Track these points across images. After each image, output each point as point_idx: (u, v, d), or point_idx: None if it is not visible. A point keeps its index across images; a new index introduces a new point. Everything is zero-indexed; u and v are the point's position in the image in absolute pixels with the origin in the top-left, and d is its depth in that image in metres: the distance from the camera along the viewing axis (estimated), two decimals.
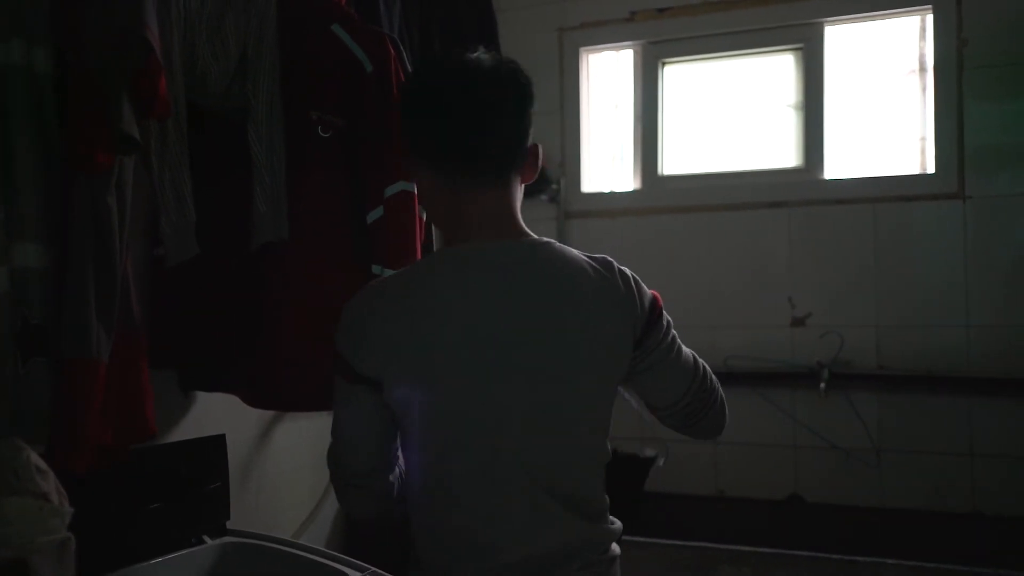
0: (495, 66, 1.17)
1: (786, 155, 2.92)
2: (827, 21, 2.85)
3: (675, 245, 2.93)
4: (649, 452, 1.70)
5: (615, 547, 1.21)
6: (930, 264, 2.66)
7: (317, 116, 1.51)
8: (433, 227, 1.73)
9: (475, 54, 1.18)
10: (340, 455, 1.23)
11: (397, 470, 1.25)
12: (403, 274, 1.22)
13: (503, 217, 1.18)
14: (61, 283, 1.12)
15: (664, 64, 3.08)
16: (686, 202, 2.97)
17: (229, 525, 1.56)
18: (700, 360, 1.29)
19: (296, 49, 1.51)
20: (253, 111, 1.45)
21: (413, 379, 1.13)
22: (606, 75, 3.22)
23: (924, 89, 2.77)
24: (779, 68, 2.95)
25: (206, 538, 1.50)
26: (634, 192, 3.09)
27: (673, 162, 3.08)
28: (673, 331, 1.24)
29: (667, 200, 3.00)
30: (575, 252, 1.19)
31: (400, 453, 1.24)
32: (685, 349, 1.27)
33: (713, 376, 1.30)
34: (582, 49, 3.13)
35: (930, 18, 2.71)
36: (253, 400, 1.62)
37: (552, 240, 1.20)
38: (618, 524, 1.22)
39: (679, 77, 3.09)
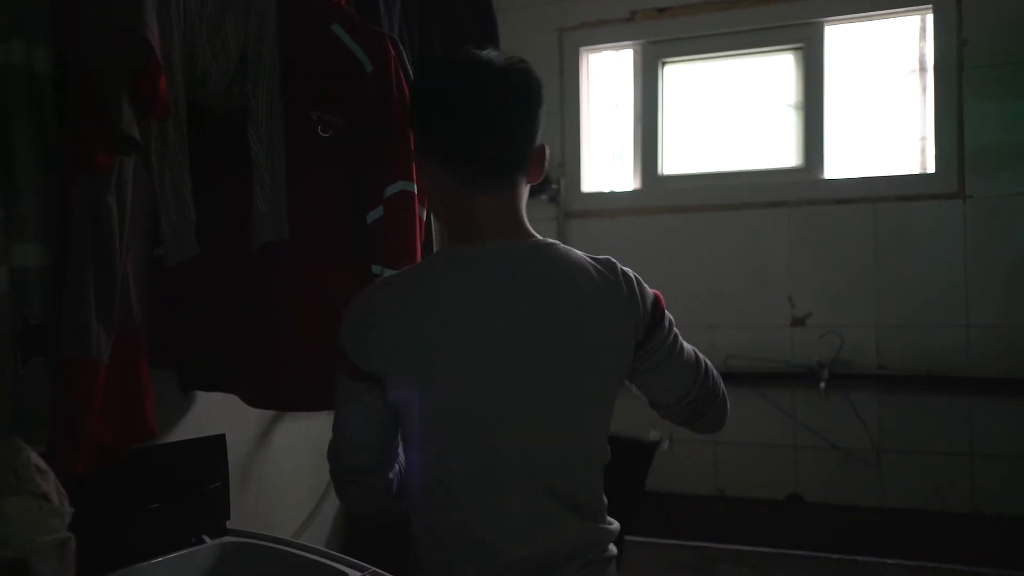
0: (505, 67, 1.16)
1: (786, 155, 2.92)
2: (827, 21, 2.84)
3: (675, 245, 2.93)
4: (653, 435, 1.69)
5: (612, 547, 1.22)
6: (930, 264, 2.66)
7: (317, 116, 1.51)
8: (433, 227, 1.73)
9: (486, 53, 1.17)
10: (340, 451, 1.23)
11: (396, 467, 1.25)
12: (405, 274, 1.22)
13: (508, 218, 1.18)
14: (61, 283, 1.12)
15: (664, 64, 3.08)
16: (686, 202, 2.97)
17: (229, 525, 1.56)
18: (702, 356, 1.29)
19: (296, 49, 1.51)
20: (253, 111, 1.45)
21: (413, 379, 1.13)
22: (606, 75, 3.21)
23: (924, 89, 2.76)
24: (779, 68, 2.95)
25: (206, 538, 1.50)
26: (634, 192, 3.09)
27: (673, 162, 3.08)
28: (675, 330, 1.25)
29: (667, 200, 3.00)
30: (578, 253, 1.19)
31: (400, 450, 1.24)
32: (687, 346, 1.27)
33: (715, 371, 1.31)
34: (582, 49, 3.12)
35: (930, 18, 2.71)
36: (253, 400, 1.62)
37: (557, 242, 1.20)
38: (615, 524, 1.22)
39: (679, 77, 3.09)
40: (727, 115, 3.03)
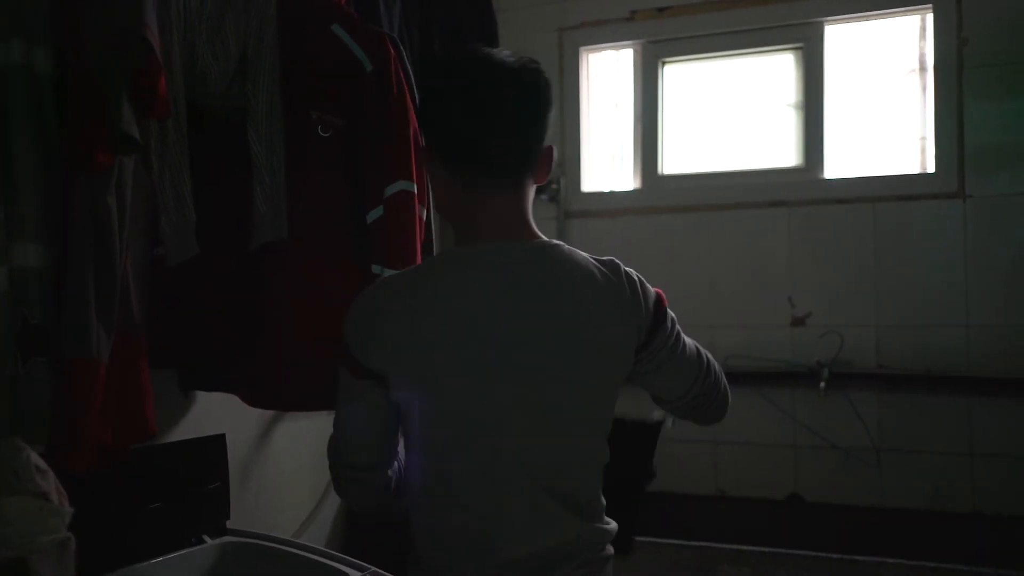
0: (517, 68, 1.15)
1: (786, 154, 2.92)
2: (827, 20, 2.84)
3: (675, 245, 2.93)
4: (657, 415, 1.69)
5: (610, 547, 1.22)
6: (930, 264, 2.66)
7: (317, 116, 1.51)
8: (433, 227, 1.73)
9: (499, 53, 1.16)
10: (341, 449, 1.23)
11: (396, 464, 1.25)
12: (407, 274, 1.22)
13: (514, 218, 1.18)
14: (61, 283, 1.12)
15: (664, 63, 3.08)
16: (686, 201, 2.97)
17: (229, 525, 1.56)
18: (703, 351, 1.30)
19: (296, 49, 1.51)
20: (253, 111, 1.45)
21: (414, 379, 1.13)
22: (606, 75, 3.21)
23: (924, 88, 2.76)
24: (779, 67, 2.95)
25: (206, 538, 1.50)
26: (634, 192, 3.09)
27: (673, 161, 3.08)
28: (677, 327, 1.25)
29: (667, 200, 3.00)
30: (582, 254, 1.19)
31: (400, 448, 1.24)
32: (689, 342, 1.28)
33: (716, 365, 1.32)
34: (582, 49, 3.12)
35: (930, 17, 2.71)
36: (253, 400, 1.62)
37: (561, 243, 1.20)
38: (613, 524, 1.23)
39: (679, 76, 3.09)
40: (727, 115, 3.03)
